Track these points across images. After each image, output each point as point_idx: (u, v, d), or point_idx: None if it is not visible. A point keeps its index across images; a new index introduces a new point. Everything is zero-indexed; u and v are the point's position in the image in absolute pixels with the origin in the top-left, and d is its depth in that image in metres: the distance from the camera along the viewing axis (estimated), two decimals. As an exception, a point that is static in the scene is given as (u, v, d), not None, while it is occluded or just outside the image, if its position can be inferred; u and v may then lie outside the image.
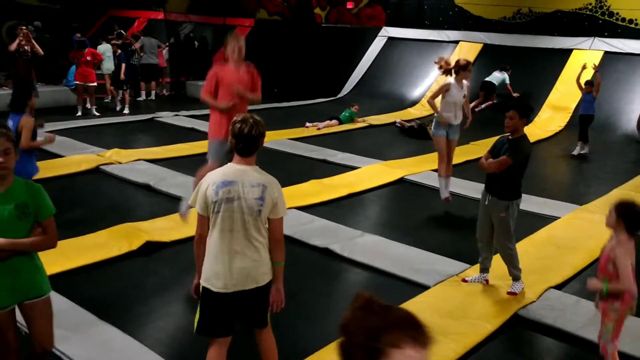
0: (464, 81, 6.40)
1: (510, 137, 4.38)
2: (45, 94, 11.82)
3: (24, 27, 9.70)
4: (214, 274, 2.77)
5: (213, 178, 2.75)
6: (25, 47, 9.40)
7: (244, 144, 2.75)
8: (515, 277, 4.52)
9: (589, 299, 4.38)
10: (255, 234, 2.75)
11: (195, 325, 2.89)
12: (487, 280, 4.63)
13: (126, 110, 11.88)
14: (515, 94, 12.77)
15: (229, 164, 2.85)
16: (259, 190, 2.73)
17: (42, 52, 9.70)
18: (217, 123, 4.94)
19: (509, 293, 4.44)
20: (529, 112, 4.42)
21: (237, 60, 4.89)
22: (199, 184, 2.87)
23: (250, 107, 10.12)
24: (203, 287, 2.81)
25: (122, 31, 13.78)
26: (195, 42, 16.22)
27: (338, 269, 5.01)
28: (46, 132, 9.17)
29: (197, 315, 2.90)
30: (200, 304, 2.87)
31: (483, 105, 13.24)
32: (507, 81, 12.96)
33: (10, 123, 5.23)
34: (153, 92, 13.55)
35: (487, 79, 12.99)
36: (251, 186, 2.73)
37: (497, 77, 12.94)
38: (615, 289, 3.16)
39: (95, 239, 5.18)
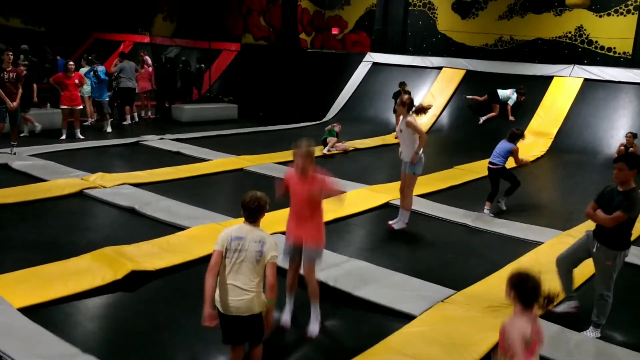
0: (407, 117, 6.24)
1: (620, 189, 4.32)
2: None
3: (10, 53, 9.66)
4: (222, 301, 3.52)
5: (230, 232, 3.57)
6: (11, 74, 9.37)
7: (249, 213, 3.60)
8: (596, 325, 4.47)
9: (573, 329, 4.43)
10: (253, 277, 3.50)
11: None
12: (577, 307, 4.64)
13: (109, 129, 12.01)
14: (511, 117, 12.98)
15: (242, 223, 3.62)
16: (259, 245, 3.51)
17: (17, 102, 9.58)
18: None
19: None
20: (639, 163, 4.36)
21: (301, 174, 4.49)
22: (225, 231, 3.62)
23: (238, 130, 10.09)
24: (217, 309, 3.52)
25: (91, 58, 13.87)
26: (180, 66, 16.28)
27: (323, 297, 4.97)
28: (28, 155, 9.13)
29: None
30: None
31: (485, 117, 13.61)
32: (510, 102, 13.23)
33: None
34: (128, 117, 13.48)
35: (498, 90, 13.38)
36: (254, 242, 3.52)
37: (504, 92, 13.29)
38: None
39: (79, 264, 5.10)
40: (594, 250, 4.46)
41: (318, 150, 11.13)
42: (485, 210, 7.43)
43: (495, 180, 7.45)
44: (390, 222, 6.45)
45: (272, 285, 3.49)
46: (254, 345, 3.68)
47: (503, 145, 7.43)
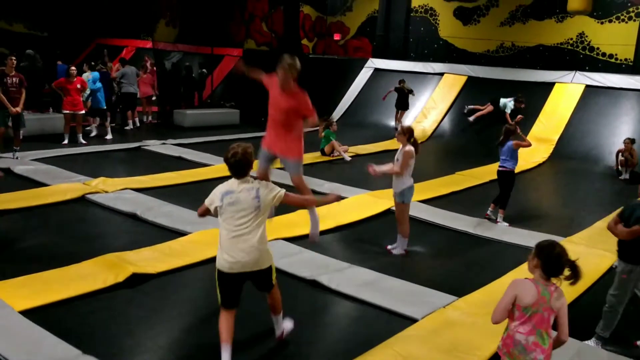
0: (406, 147, 6.03)
1: None
2: (32, 121, 11.76)
3: (13, 58, 9.72)
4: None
5: (220, 189, 3.61)
6: (14, 79, 9.42)
7: (235, 170, 3.61)
8: (599, 337, 4.42)
9: (575, 337, 4.41)
10: (256, 228, 3.56)
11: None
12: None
13: (109, 136, 11.99)
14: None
15: (230, 180, 3.65)
16: (254, 192, 3.56)
17: (19, 107, 9.68)
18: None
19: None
20: None
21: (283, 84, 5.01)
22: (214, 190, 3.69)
23: (240, 136, 10.19)
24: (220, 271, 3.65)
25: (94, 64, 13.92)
26: (183, 71, 16.33)
27: (326, 301, 4.99)
28: (30, 160, 9.15)
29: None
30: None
31: (477, 114, 13.67)
32: (507, 110, 13.17)
33: None
34: (130, 122, 13.53)
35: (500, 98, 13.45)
36: (246, 191, 3.56)
37: (503, 100, 13.31)
38: None
39: (80, 269, 5.11)
40: (615, 264, 4.44)
41: (311, 157, 11.15)
42: (498, 219, 7.36)
43: (506, 184, 7.40)
44: (389, 247, 6.36)
45: (306, 200, 4.02)
46: (269, 291, 3.83)
47: (506, 146, 7.39)
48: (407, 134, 6.11)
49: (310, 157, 10.87)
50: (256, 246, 3.57)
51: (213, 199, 3.63)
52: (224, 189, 3.62)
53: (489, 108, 13.49)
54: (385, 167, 6.15)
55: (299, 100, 4.97)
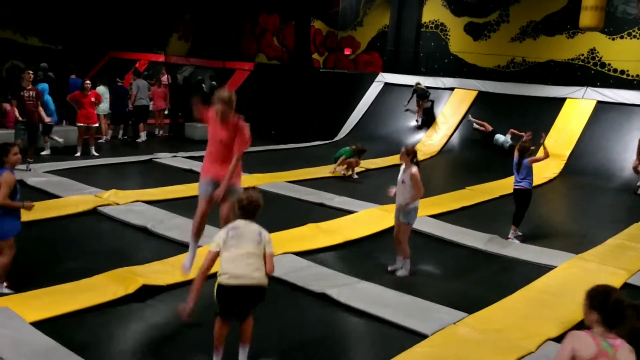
0: (412, 169, 5.98)
1: None
2: (45, 133, 11.93)
3: (30, 72, 9.91)
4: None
5: (225, 229, 3.91)
6: (31, 92, 9.59)
7: (247, 214, 3.95)
8: None
9: None
10: (256, 254, 3.84)
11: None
12: None
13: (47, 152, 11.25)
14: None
15: (238, 220, 3.93)
16: (257, 231, 3.89)
17: (46, 119, 9.99)
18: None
19: None
20: None
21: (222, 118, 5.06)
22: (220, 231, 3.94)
23: (250, 149, 10.12)
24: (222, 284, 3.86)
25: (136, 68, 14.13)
26: (194, 85, 16.47)
27: (334, 315, 4.97)
28: (43, 172, 9.25)
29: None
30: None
31: (480, 127, 13.66)
32: (506, 145, 12.75)
33: None
34: (142, 134, 13.66)
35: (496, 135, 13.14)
36: (251, 229, 3.89)
37: (501, 137, 12.99)
38: None
39: (91, 282, 5.13)
40: None
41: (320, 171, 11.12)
42: (510, 235, 7.32)
43: (522, 202, 7.37)
44: (390, 269, 6.21)
45: (271, 272, 3.87)
46: (245, 319, 3.94)
47: (522, 165, 7.33)
48: (411, 155, 6.08)
49: (318, 171, 10.89)
50: (257, 266, 3.82)
51: (219, 237, 3.89)
52: (229, 226, 3.94)
53: (488, 128, 13.36)
54: (410, 201, 5.99)
55: (239, 130, 5.11)
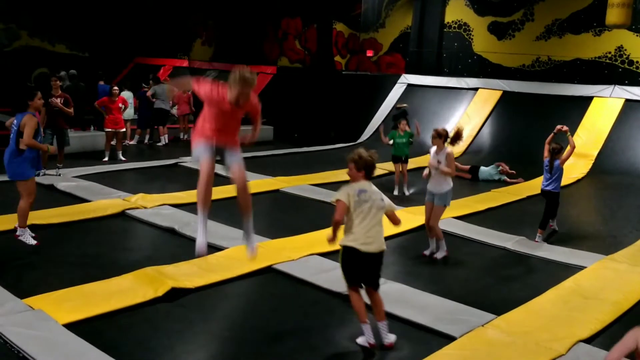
0: (446, 150, 6.16)
1: None
2: (74, 139, 12.11)
3: (56, 79, 10.13)
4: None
5: (354, 187, 4.26)
6: (59, 99, 9.81)
7: (367, 171, 4.31)
8: None
9: None
10: (380, 220, 4.28)
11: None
12: None
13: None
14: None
15: (361, 181, 4.30)
16: (380, 195, 4.30)
17: (72, 113, 10.10)
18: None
19: None
20: None
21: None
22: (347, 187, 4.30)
23: (273, 152, 10.13)
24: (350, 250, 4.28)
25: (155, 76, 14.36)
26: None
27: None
28: (72, 177, 9.43)
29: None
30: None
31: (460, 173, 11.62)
32: (495, 178, 11.10)
33: (14, 122, 5.69)
34: (163, 137, 13.84)
35: (481, 167, 11.42)
36: (375, 193, 4.29)
37: (486, 170, 11.23)
38: None
39: (121, 283, 5.22)
40: None
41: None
42: (537, 239, 7.24)
43: (552, 204, 7.29)
44: (426, 253, 6.39)
45: (399, 224, 4.54)
46: (375, 289, 4.34)
47: (554, 167, 7.24)
48: (443, 136, 6.19)
49: (342, 174, 10.88)
50: (382, 232, 4.30)
51: (349, 193, 4.23)
52: (357, 187, 4.26)
53: (466, 172, 11.36)
54: (445, 168, 6.19)
55: (254, 108, 4.85)
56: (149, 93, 13.70)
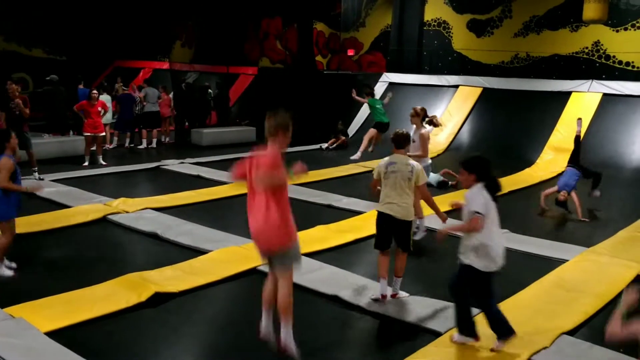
0: (421, 130, 6.45)
1: None
2: (54, 144, 12.00)
3: (12, 83, 10.05)
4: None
5: (384, 162, 5.00)
6: (17, 101, 9.71)
7: (397, 144, 5.06)
8: None
9: (602, 345, 4.34)
10: (408, 190, 4.91)
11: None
12: None
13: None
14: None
15: (393, 154, 5.05)
16: (409, 167, 4.89)
17: (27, 113, 9.91)
18: None
19: None
20: None
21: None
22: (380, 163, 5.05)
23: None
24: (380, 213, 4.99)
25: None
26: (196, 93, 16.56)
27: (347, 316, 4.97)
28: (49, 180, 9.29)
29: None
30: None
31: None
32: (434, 182, 10.03)
33: None
34: (155, 140, 13.75)
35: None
36: (404, 164, 4.90)
37: (433, 175, 10.21)
38: None
39: (103, 289, 5.17)
40: None
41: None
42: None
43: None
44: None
45: (428, 197, 5.29)
46: (403, 251, 5.01)
47: (570, 174, 7.35)
48: (421, 115, 6.28)
49: (326, 173, 10.89)
50: (408, 203, 4.87)
51: (379, 170, 4.99)
52: (388, 160, 4.97)
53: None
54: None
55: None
56: (140, 95, 13.59)
